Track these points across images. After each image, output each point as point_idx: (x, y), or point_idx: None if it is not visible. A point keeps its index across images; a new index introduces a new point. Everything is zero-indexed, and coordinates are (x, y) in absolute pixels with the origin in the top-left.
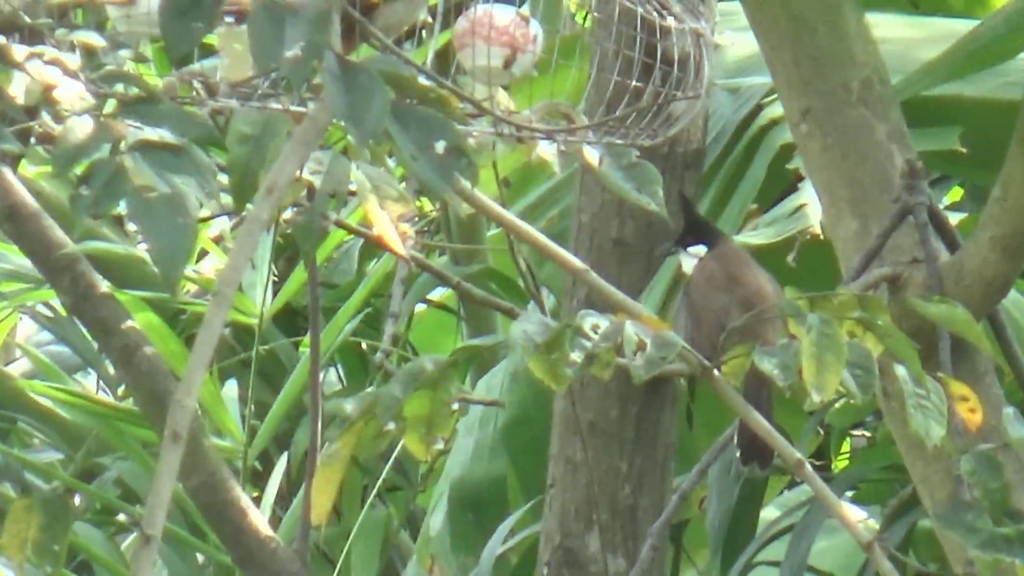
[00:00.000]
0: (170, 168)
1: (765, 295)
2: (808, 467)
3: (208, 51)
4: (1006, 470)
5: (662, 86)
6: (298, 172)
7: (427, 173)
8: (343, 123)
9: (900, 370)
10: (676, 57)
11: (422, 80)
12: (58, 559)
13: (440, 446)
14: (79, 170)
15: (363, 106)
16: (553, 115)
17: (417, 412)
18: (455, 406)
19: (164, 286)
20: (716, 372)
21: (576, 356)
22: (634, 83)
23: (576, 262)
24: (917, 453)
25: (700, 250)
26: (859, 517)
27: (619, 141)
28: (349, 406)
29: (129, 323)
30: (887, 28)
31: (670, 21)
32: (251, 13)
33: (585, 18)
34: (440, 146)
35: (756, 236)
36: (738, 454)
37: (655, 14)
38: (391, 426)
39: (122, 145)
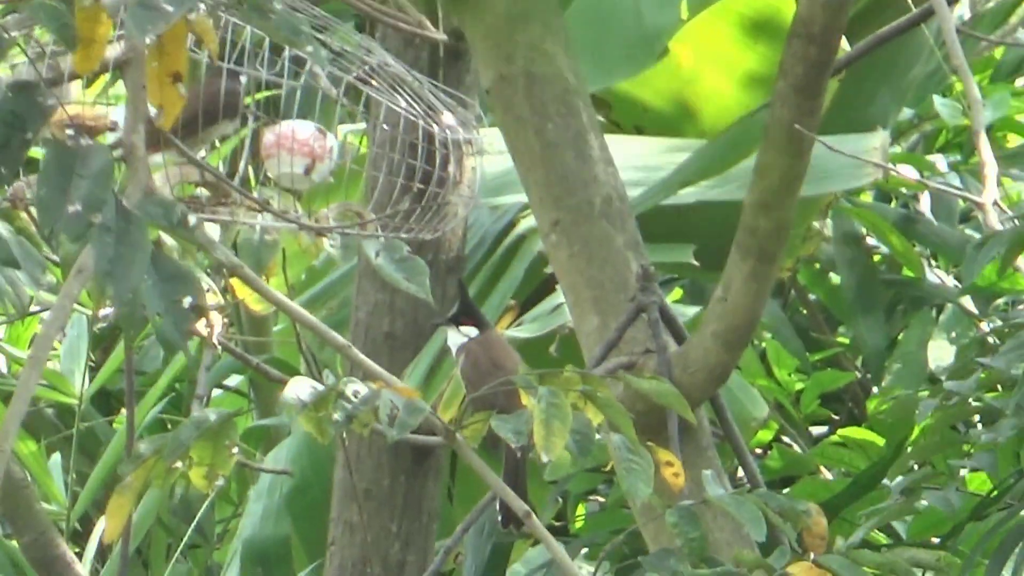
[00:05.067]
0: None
1: None
2: (535, 518)
3: None
4: (703, 522)
5: (439, 187)
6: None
7: (168, 330)
8: (100, 280)
9: (615, 438)
10: (451, 161)
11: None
12: None
13: (220, 483)
14: None
15: (126, 262)
16: (347, 215)
17: (202, 454)
18: (235, 451)
19: None
20: (458, 436)
21: (339, 416)
22: (416, 185)
23: (340, 339)
24: (649, 514)
25: (470, 330)
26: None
27: (404, 235)
28: (143, 446)
29: None
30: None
31: (447, 132)
32: (43, 165)
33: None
34: (187, 302)
35: (522, 331)
36: (499, 517)
37: (434, 127)
38: (178, 464)
39: None
